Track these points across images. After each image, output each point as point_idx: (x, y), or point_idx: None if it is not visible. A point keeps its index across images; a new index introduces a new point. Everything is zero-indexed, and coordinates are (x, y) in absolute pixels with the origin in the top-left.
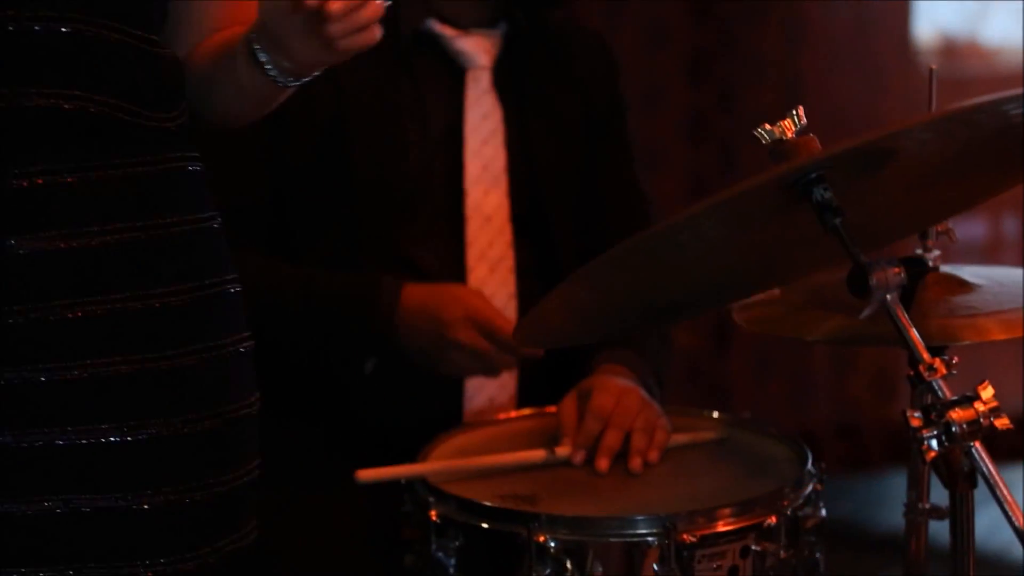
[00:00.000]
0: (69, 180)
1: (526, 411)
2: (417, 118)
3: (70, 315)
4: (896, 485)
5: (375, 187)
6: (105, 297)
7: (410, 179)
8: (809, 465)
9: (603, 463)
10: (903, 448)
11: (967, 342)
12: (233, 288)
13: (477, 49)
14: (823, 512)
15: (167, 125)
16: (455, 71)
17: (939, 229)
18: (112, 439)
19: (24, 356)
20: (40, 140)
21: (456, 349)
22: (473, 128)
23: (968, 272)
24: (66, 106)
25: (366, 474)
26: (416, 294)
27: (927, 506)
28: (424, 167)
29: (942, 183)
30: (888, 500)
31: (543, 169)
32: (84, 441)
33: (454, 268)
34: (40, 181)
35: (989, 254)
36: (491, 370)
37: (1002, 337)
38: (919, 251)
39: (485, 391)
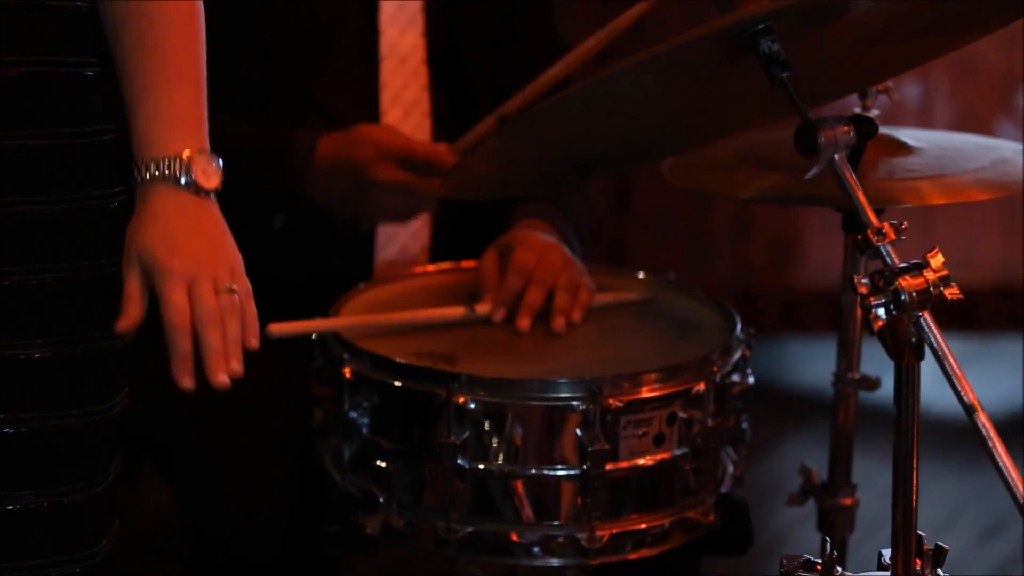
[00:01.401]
0: None
1: (443, 265)
2: None
3: None
4: (791, 352)
5: (286, 26)
6: None
7: (323, 18)
8: (738, 331)
9: (524, 322)
10: (797, 314)
11: (908, 205)
12: None
13: None
14: (751, 379)
15: None
16: None
17: (879, 88)
18: None
19: None
20: None
21: (377, 189)
22: None
23: (907, 135)
24: None
25: (278, 328)
26: (329, 144)
27: (857, 376)
28: (338, 5)
29: (888, 41)
30: (784, 366)
31: (462, 11)
32: None
33: (367, 110)
34: None
35: (887, 119)
36: (421, 201)
37: (943, 202)
38: (857, 110)
39: (397, 240)
